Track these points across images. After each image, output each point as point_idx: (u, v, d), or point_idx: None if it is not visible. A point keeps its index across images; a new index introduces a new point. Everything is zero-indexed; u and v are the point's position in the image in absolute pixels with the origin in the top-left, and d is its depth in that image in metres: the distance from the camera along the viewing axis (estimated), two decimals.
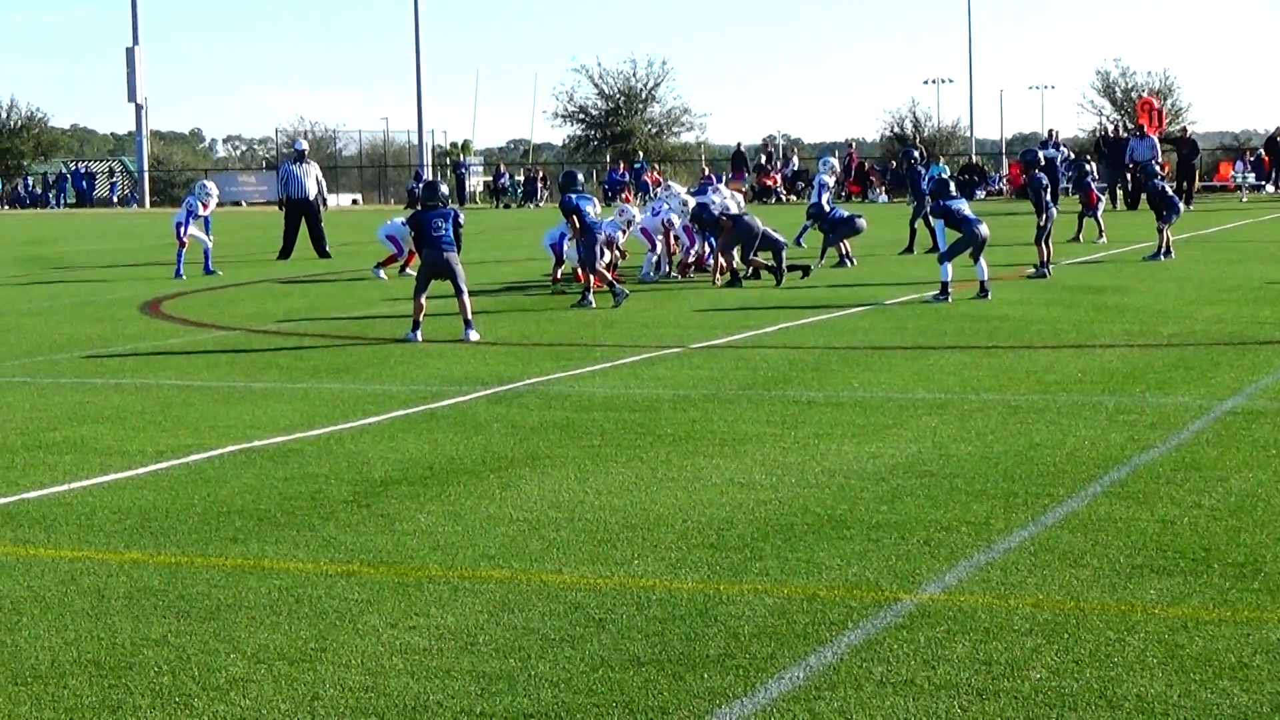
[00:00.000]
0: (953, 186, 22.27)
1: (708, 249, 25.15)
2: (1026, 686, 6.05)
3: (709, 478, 9.88)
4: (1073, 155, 54.97)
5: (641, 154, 76.16)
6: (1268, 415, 11.75)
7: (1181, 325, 17.67)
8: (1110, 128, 58.83)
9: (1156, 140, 48.66)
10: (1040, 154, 27.53)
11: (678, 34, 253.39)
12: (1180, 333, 16.99)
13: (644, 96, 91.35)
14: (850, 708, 5.87)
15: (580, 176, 22.51)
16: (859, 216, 28.40)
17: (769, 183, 66.32)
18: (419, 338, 17.51)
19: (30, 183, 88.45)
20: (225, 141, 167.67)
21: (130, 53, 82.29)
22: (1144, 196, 47.25)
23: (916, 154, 36.00)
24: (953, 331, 17.50)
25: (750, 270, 24.46)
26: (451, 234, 17.84)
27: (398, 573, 7.84)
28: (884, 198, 63.45)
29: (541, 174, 74.02)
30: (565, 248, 24.02)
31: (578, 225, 21.24)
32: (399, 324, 18.79)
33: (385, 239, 27.10)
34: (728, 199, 26.09)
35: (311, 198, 33.39)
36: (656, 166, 69.42)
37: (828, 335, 17.57)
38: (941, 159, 69.03)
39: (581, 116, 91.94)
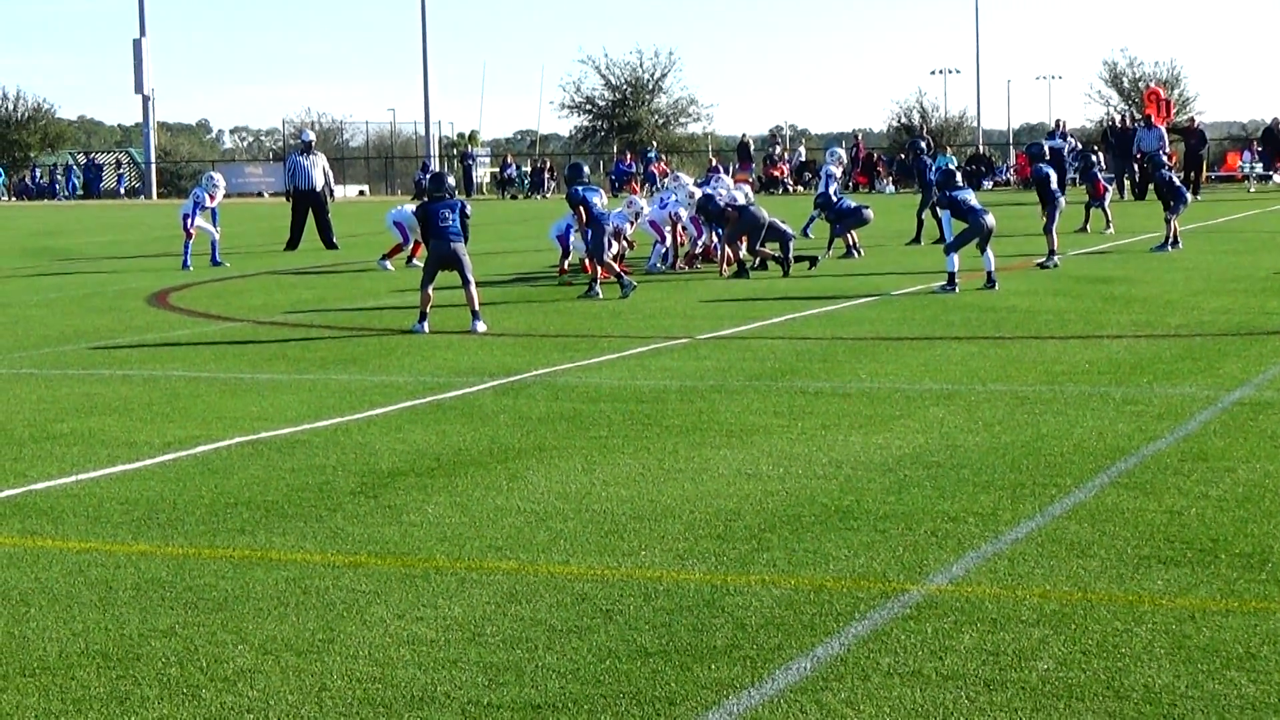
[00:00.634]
0: (959, 177, 22.25)
1: (715, 240, 25.13)
2: (1034, 677, 6.05)
3: (716, 469, 9.88)
4: (1079, 145, 54.88)
5: (654, 144, 76.08)
6: (1275, 406, 11.74)
7: (1189, 316, 17.66)
8: (1118, 118, 58.82)
9: (1164, 130, 48.64)
10: (1046, 146, 27.56)
11: (685, 25, 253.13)
12: (1188, 323, 16.97)
13: (651, 87, 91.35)
14: (858, 698, 5.87)
15: (586, 168, 22.49)
16: (866, 207, 28.39)
17: (776, 173, 66.29)
18: (426, 329, 17.50)
19: (37, 174, 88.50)
20: (232, 133, 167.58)
21: (137, 44, 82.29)
22: (1151, 187, 47.29)
23: (923, 144, 36.00)
24: (960, 322, 17.49)
25: (757, 261, 24.46)
26: (459, 225, 17.82)
27: (405, 564, 7.84)
28: (891, 188, 63.39)
29: (548, 165, 73.99)
30: (571, 239, 24.01)
31: (585, 216, 21.24)
32: (406, 315, 18.79)
33: (392, 225, 27.09)
34: (733, 190, 26.07)
35: (319, 189, 33.40)
36: (664, 157, 69.37)
37: (835, 326, 17.57)
38: (949, 149, 68.96)
39: (588, 107, 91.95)
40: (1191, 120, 56.62)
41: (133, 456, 10.65)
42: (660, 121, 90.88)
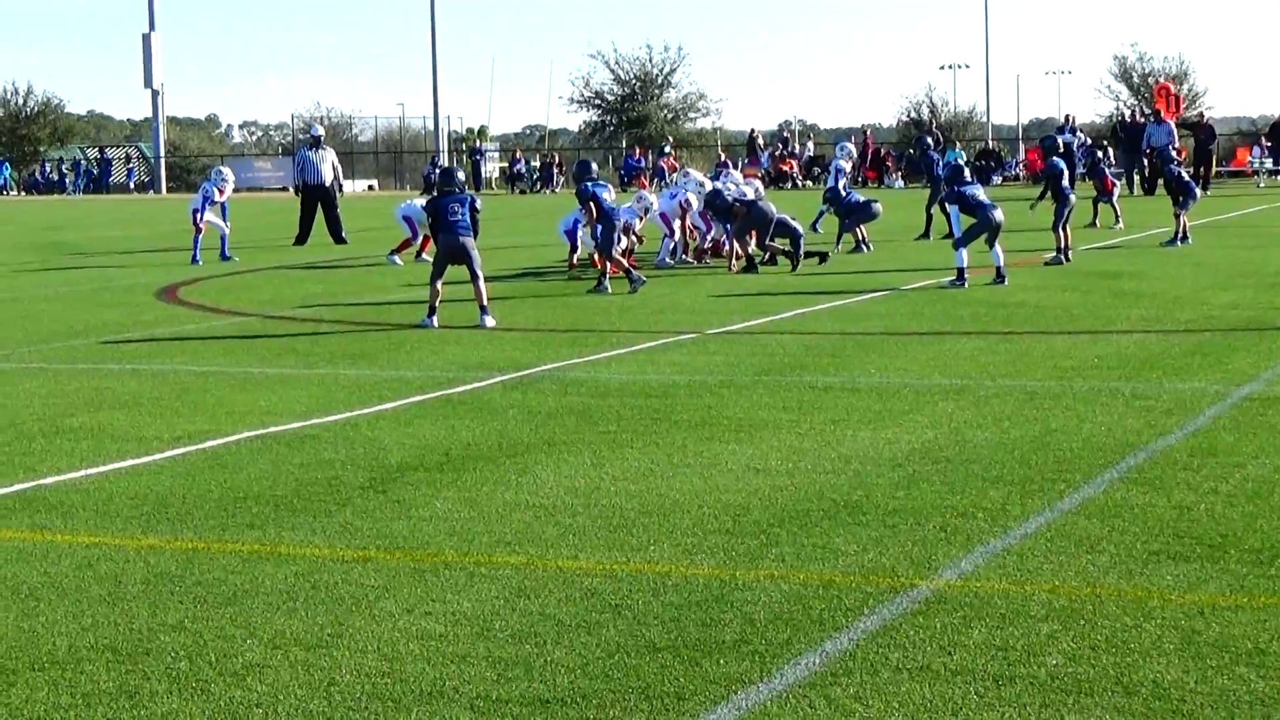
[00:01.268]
0: (968, 172, 22.27)
1: (724, 235, 25.12)
2: (1043, 672, 6.04)
3: (725, 464, 9.88)
4: (1089, 141, 54.80)
5: (670, 139, 76.05)
6: None
7: (1198, 311, 17.63)
8: (1127, 113, 58.71)
9: (1173, 125, 48.54)
10: (1060, 140, 27.53)
11: (693, 19, 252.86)
12: (1197, 318, 16.95)
13: (660, 82, 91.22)
14: (866, 694, 5.87)
15: (594, 165, 22.51)
16: (875, 201, 28.36)
17: (785, 168, 66.25)
18: (435, 323, 17.52)
19: (47, 169, 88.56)
20: (241, 127, 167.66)
21: (147, 38, 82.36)
22: (1161, 182, 47.17)
23: (929, 140, 35.99)
24: (969, 317, 17.48)
25: (766, 256, 24.44)
26: (468, 219, 17.82)
27: (414, 558, 7.85)
28: (900, 183, 63.34)
29: (557, 160, 73.95)
30: (580, 234, 24.01)
31: (595, 212, 21.24)
32: (415, 309, 18.80)
33: (401, 220, 27.18)
34: (743, 184, 26.05)
35: (328, 184, 33.41)
36: (672, 153, 69.31)
37: (844, 321, 17.56)
38: (958, 144, 68.91)
39: (597, 102, 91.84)
40: (1201, 115, 56.50)
41: (142, 451, 10.66)
42: (669, 116, 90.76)
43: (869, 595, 7.05)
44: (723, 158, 55.16)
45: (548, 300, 20.60)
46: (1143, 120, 50.96)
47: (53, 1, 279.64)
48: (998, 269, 20.91)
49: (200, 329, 18.17)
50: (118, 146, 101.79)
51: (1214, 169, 53.67)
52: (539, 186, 71.99)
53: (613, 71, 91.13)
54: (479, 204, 18.25)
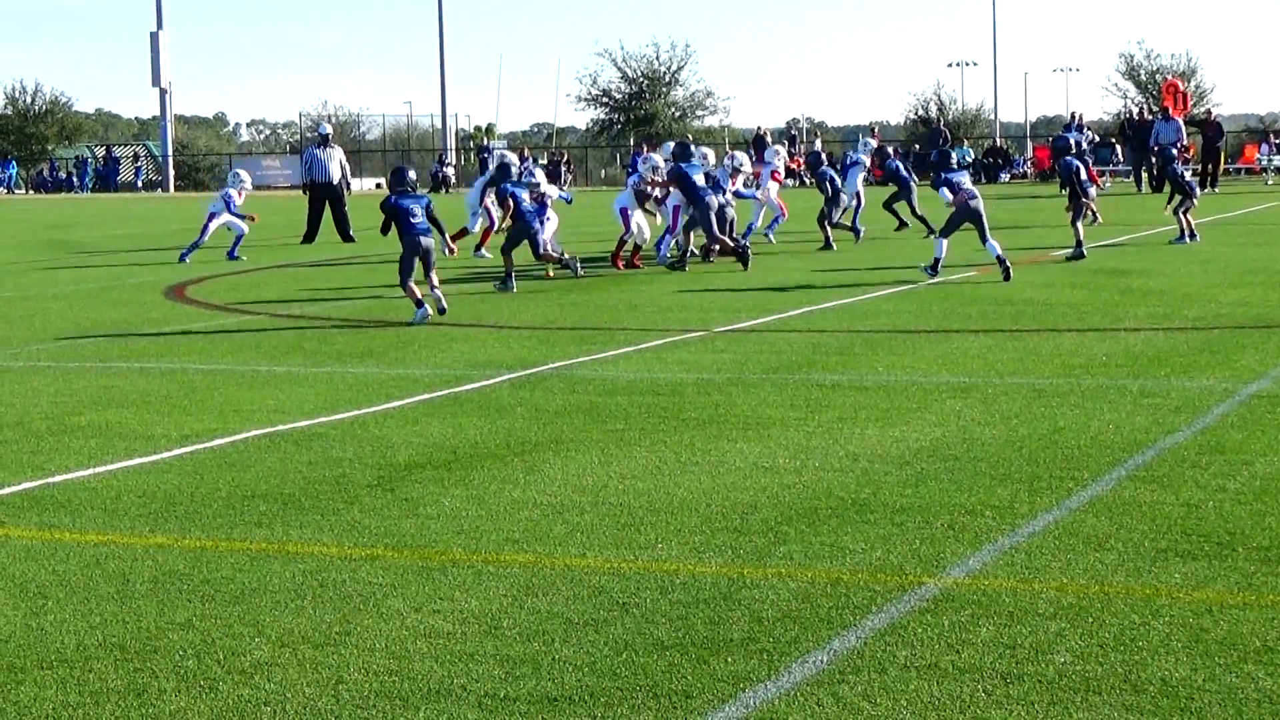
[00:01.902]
0: (954, 159, 22.71)
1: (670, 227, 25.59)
2: (1051, 670, 6.04)
3: (732, 462, 9.88)
4: (1096, 138, 54.77)
5: (689, 136, 75.99)
6: None
7: (1206, 308, 17.62)
8: (1135, 110, 58.66)
9: (1181, 123, 48.50)
10: (1072, 139, 27.66)
11: (701, 17, 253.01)
12: (1205, 316, 16.93)
13: (667, 80, 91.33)
14: (874, 691, 5.86)
15: (514, 164, 22.95)
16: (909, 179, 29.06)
17: (792, 165, 66.20)
18: (428, 312, 17.64)
19: (55, 167, 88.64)
20: (249, 126, 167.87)
21: (154, 37, 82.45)
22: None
23: (890, 150, 36.49)
24: (977, 315, 17.47)
25: (717, 250, 24.57)
26: (426, 221, 18.17)
27: (421, 557, 7.85)
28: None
29: (565, 158, 73.97)
30: (634, 219, 24.56)
31: (513, 211, 22.20)
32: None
33: (478, 212, 27.72)
34: (746, 167, 26.50)
35: (335, 182, 33.46)
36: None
37: (851, 318, 17.56)
38: (965, 142, 68.87)
39: (605, 100, 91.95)
40: (1209, 112, 56.47)
41: (150, 449, 10.67)
42: (677, 114, 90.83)
43: (877, 593, 7.05)
44: (761, 128, 54.74)
45: (555, 298, 20.60)
46: (1150, 118, 50.94)
47: (60, 0, 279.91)
48: (998, 259, 20.99)
49: (208, 327, 18.18)
50: (125, 145, 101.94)
51: (1222, 166, 53.60)
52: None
53: (620, 69, 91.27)
54: (434, 205, 18.71)
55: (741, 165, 26.85)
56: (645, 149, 37.79)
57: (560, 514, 8.63)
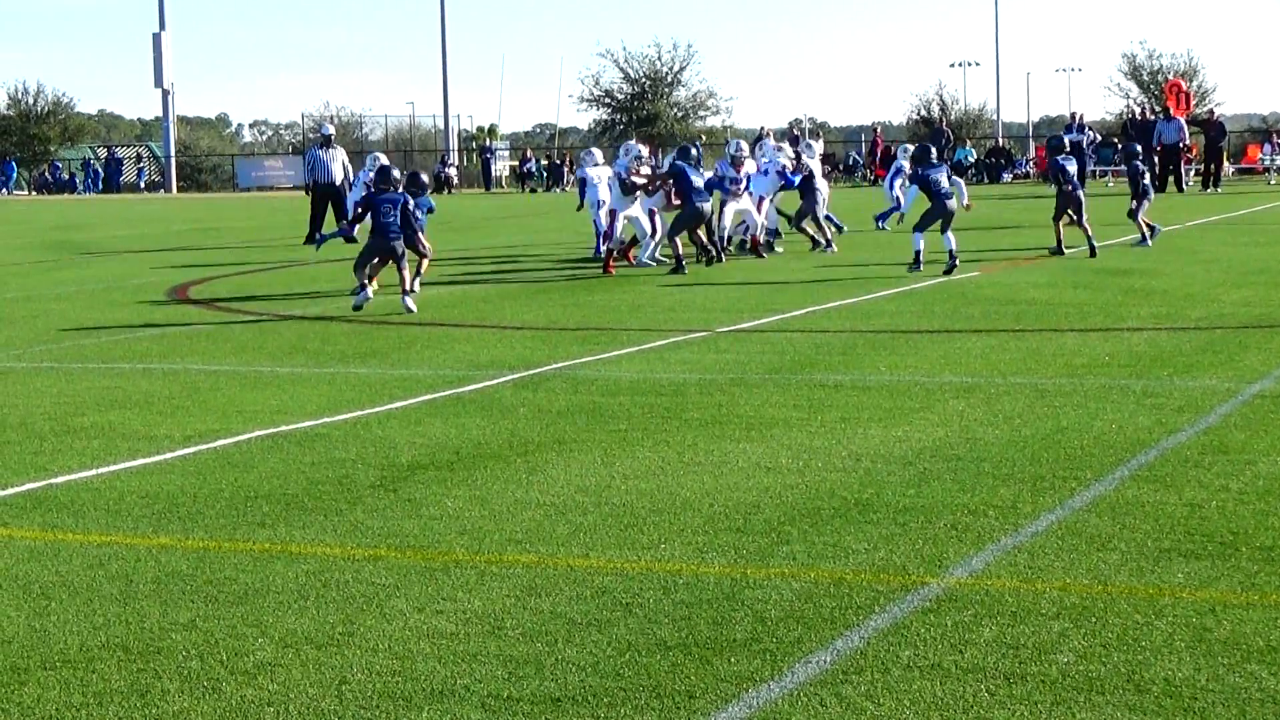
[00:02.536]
0: (934, 155, 23.21)
1: (764, 223, 25.90)
2: (1054, 670, 6.04)
3: (735, 462, 9.87)
4: (1098, 138, 54.76)
5: (703, 136, 76.00)
6: None
7: (1209, 308, 17.61)
8: (1137, 110, 58.65)
9: (1184, 122, 48.50)
10: (1066, 139, 27.82)
11: (703, 17, 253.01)
12: (1208, 316, 16.93)
13: (669, 80, 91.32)
14: (877, 691, 5.86)
15: (424, 175, 22.85)
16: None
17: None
18: (369, 296, 18.83)
19: (58, 168, 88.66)
20: (252, 126, 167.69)
21: (157, 38, 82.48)
22: (1170, 179, 47.14)
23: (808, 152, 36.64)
24: (979, 315, 17.47)
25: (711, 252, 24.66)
26: (399, 223, 18.40)
27: (425, 557, 7.85)
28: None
29: (567, 158, 73.96)
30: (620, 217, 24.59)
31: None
32: (425, 308, 18.81)
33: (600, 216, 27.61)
34: (778, 156, 26.78)
35: (338, 183, 33.45)
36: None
37: (854, 319, 17.55)
38: (968, 142, 68.86)
39: (607, 101, 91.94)
40: (1211, 112, 56.49)
41: (153, 450, 10.68)
42: (679, 115, 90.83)
43: (880, 593, 7.05)
44: (763, 129, 54.75)
45: (558, 298, 20.60)
46: (1153, 118, 50.93)
47: (62, 1, 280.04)
48: (950, 252, 21.97)
49: (211, 328, 18.18)
50: (128, 146, 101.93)
51: (1225, 166, 53.58)
52: (548, 185, 71.98)
53: (622, 70, 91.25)
54: (412, 206, 18.95)
55: (741, 151, 26.88)
56: (636, 140, 37.74)
57: (563, 514, 8.63)
